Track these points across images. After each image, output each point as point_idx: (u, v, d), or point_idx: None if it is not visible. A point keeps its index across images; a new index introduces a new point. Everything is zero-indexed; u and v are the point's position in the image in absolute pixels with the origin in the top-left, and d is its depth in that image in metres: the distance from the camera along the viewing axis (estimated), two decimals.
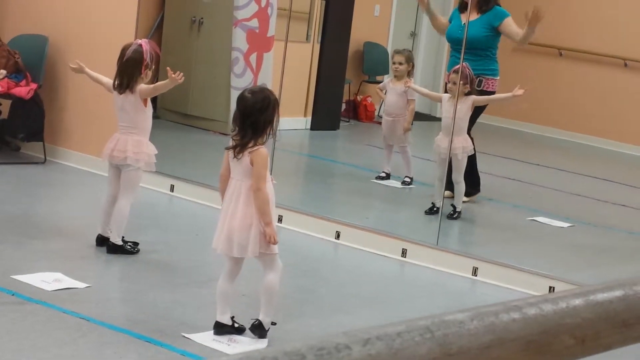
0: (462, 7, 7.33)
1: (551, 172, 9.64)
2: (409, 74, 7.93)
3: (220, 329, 4.48)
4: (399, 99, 7.90)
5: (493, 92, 7.25)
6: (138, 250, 5.61)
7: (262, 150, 4.37)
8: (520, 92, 6.73)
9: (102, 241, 5.61)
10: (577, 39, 11.22)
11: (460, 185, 7.02)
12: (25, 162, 7.54)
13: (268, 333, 4.52)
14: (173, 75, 5.41)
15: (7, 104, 7.62)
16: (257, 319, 4.48)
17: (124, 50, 5.51)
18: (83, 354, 4.14)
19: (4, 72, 7.42)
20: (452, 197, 7.01)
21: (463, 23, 7.22)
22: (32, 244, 5.57)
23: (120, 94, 5.52)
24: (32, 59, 7.64)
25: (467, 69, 6.86)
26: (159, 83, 5.66)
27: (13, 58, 7.53)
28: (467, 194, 7.41)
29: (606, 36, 11.15)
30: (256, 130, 4.37)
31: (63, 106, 7.80)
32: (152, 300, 4.91)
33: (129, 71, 5.49)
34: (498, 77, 7.34)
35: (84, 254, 5.52)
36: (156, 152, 5.66)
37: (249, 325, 4.50)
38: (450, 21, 7.45)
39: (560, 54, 11.31)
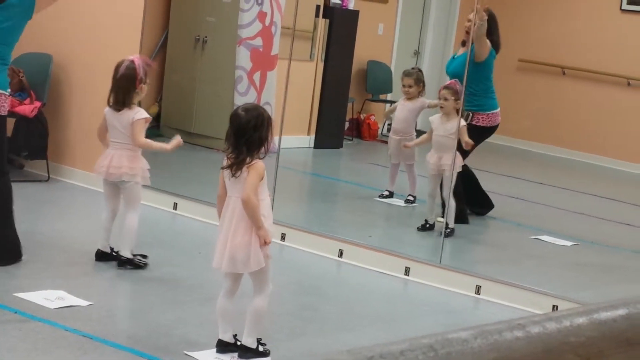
0: (462, 43, 7.42)
1: (555, 190, 9.63)
2: (420, 94, 7.92)
3: (223, 347, 4.47)
4: (408, 115, 7.88)
5: (486, 127, 7.28)
6: (146, 264, 5.66)
7: (259, 164, 4.37)
8: (467, 144, 6.81)
9: (102, 256, 5.65)
10: (580, 58, 11.24)
11: (450, 202, 7.00)
12: (28, 180, 7.55)
13: (269, 349, 4.51)
14: (174, 144, 5.50)
15: (11, 122, 7.60)
16: (240, 344, 4.45)
17: (117, 68, 5.57)
18: None
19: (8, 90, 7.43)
20: (444, 222, 6.95)
21: (456, 56, 7.34)
22: (35, 261, 5.57)
23: (118, 111, 5.55)
24: (36, 78, 7.66)
25: (457, 85, 6.92)
26: (156, 143, 5.66)
27: (17, 76, 7.55)
28: (478, 214, 7.45)
29: (609, 55, 11.16)
30: (250, 148, 4.36)
31: (67, 124, 7.82)
32: (155, 317, 4.91)
33: (124, 87, 5.53)
34: (492, 111, 7.31)
35: (87, 271, 5.52)
36: (148, 167, 5.68)
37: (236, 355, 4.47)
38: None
39: (564, 73, 11.33)
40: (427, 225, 7.11)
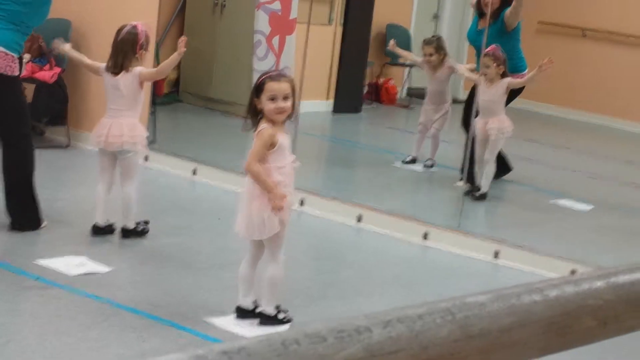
0: (479, 13, 7.34)
1: (574, 154, 9.60)
2: (443, 61, 7.88)
3: (243, 313, 4.49)
4: (440, 87, 7.92)
5: (520, 88, 7.25)
6: (148, 230, 5.61)
7: (265, 131, 4.31)
8: (547, 65, 6.70)
9: (98, 231, 5.52)
10: (601, 19, 11.15)
11: (490, 166, 7.03)
12: (48, 146, 7.58)
13: (289, 316, 4.53)
14: (181, 47, 5.37)
15: (31, 88, 7.64)
16: (259, 312, 4.48)
17: (118, 32, 5.48)
18: (106, 337, 4.17)
19: (28, 56, 7.45)
20: (464, 186, 6.94)
21: (478, 29, 7.27)
22: (56, 228, 5.60)
23: (115, 74, 5.47)
24: None
25: (498, 51, 6.88)
26: (161, 65, 5.62)
27: (37, 42, 7.56)
28: (496, 176, 7.45)
29: (630, 16, 11.07)
30: (250, 115, 4.38)
31: (86, 90, 7.83)
32: (175, 284, 4.94)
33: (123, 51, 5.44)
34: (526, 71, 7.30)
35: (107, 238, 5.55)
36: (147, 134, 5.65)
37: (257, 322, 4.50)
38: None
39: (584, 35, 11.24)
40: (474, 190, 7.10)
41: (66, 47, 5.76)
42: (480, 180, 7.06)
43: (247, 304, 4.49)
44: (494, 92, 6.94)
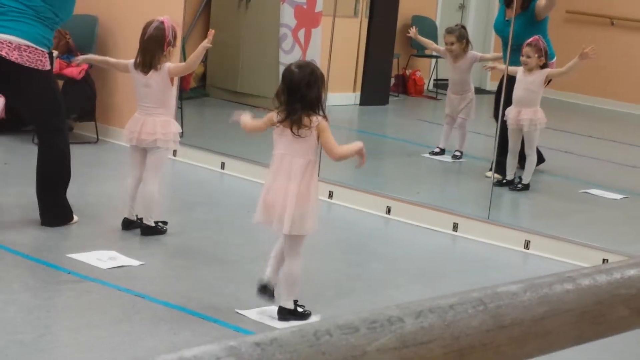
0: (506, 2, 7.26)
1: (603, 143, 9.53)
2: (465, 50, 7.84)
3: (264, 288, 4.43)
4: (462, 76, 7.88)
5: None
6: (166, 230, 5.58)
7: (323, 123, 4.31)
8: (588, 53, 6.67)
9: (129, 224, 5.55)
10: (630, 8, 11.05)
11: (530, 158, 7.00)
12: (77, 142, 7.60)
13: (308, 309, 4.51)
14: (205, 41, 5.36)
15: (59, 84, 7.68)
16: (279, 306, 4.44)
17: (145, 28, 5.43)
18: (138, 330, 4.20)
19: (55, 52, 7.48)
20: (493, 176, 6.90)
21: (506, 19, 7.19)
22: (86, 222, 5.63)
23: (145, 73, 5.44)
24: (82, 39, 7.70)
25: (540, 42, 6.85)
26: (189, 58, 5.57)
27: (64, 38, 7.60)
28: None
29: None
30: (305, 106, 4.27)
31: (114, 86, 7.87)
32: (205, 277, 4.95)
33: (151, 49, 5.40)
34: (553, 61, 7.25)
35: (138, 232, 5.57)
36: (180, 130, 5.65)
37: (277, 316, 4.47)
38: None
39: (612, 23, 11.15)
40: (504, 181, 7.05)
41: (87, 57, 5.78)
42: (512, 172, 7.03)
43: (267, 279, 4.44)
44: (531, 81, 6.89)
